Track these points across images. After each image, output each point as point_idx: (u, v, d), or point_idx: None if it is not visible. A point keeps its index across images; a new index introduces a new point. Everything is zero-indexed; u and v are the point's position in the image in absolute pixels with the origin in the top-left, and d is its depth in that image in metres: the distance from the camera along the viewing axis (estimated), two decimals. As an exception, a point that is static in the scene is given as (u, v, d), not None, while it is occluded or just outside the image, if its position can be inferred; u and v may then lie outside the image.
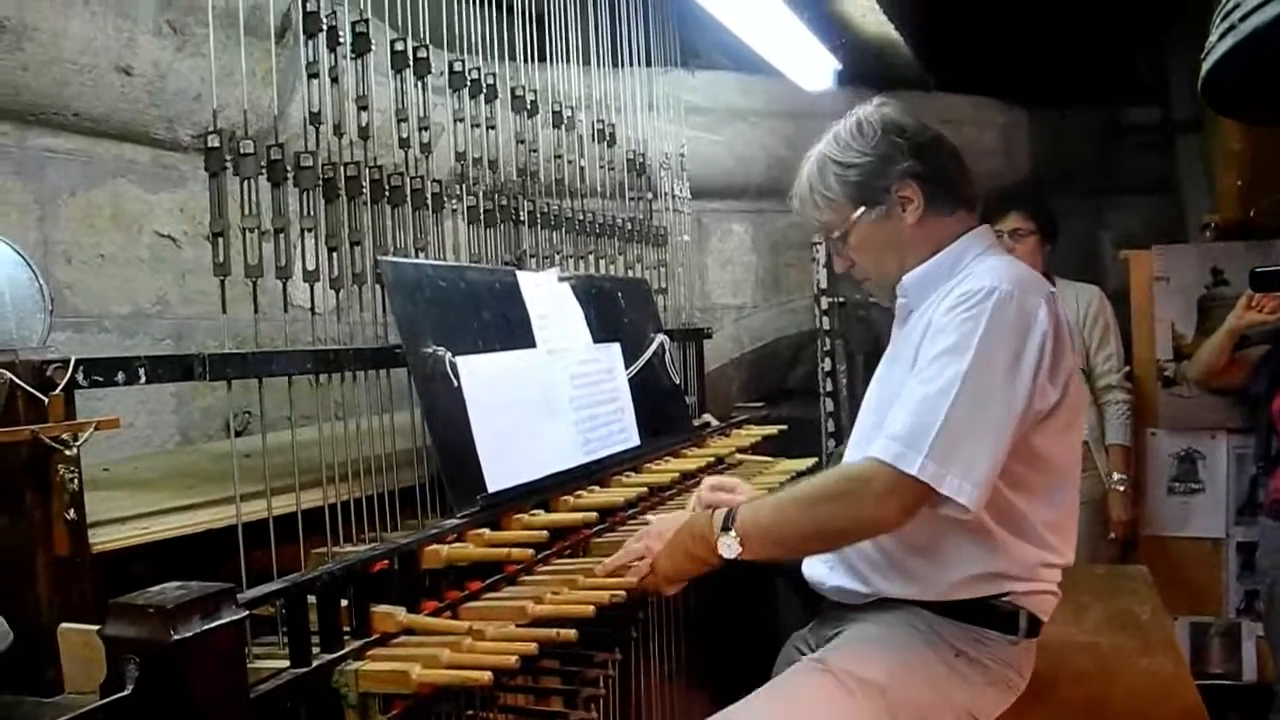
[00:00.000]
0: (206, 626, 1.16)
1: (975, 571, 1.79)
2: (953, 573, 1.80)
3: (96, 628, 1.19)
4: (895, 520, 1.68)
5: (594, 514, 2.03)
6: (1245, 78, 1.69)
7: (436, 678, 1.41)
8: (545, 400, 2.23)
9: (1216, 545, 4.10)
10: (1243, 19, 1.46)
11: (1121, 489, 3.97)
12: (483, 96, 2.31)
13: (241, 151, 1.62)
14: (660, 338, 2.85)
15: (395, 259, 1.93)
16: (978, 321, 1.68)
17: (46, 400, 1.31)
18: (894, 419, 1.69)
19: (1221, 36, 1.54)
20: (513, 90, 2.46)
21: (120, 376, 1.41)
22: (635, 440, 2.53)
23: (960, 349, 1.67)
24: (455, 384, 1.91)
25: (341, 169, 1.81)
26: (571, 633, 1.58)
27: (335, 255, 1.79)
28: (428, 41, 2.07)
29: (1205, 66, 1.65)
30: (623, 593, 1.75)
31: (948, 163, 1.90)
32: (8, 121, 2.29)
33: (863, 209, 1.89)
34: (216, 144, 1.57)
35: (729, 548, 1.75)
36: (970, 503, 1.62)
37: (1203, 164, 4.72)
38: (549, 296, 2.37)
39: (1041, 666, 1.95)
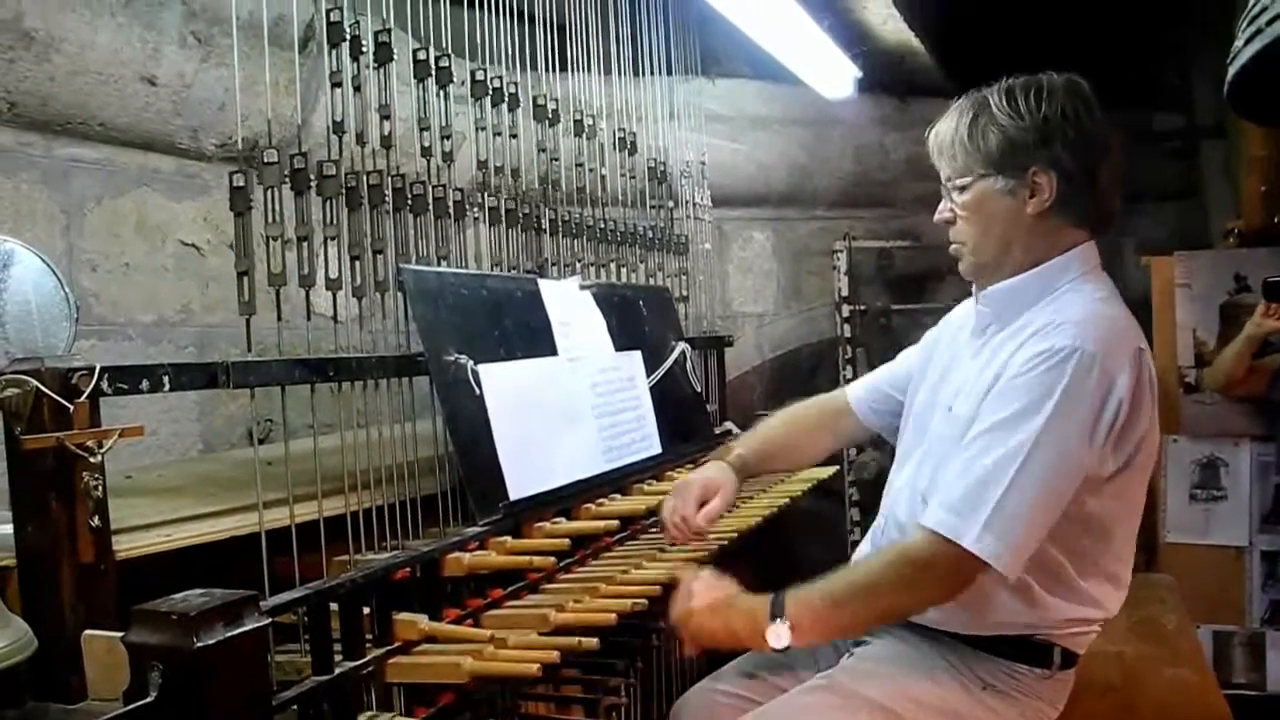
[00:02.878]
0: (229, 634, 1.16)
1: (1009, 619, 1.73)
2: (986, 617, 1.74)
3: (120, 634, 1.19)
4: (955, 594, 1.65)
5: (615, 522, 2.03)
6: (1272, 82, 1.67)
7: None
8: (567, 408, 2.23)
9: (1240, 554, 4.06)
10: (1269, 23, 1.45)
11: None
12: (504, 105, 2.32)
13: (265, 160, 1.63)
14: (681, 345, 2.85)
15: (417, 267, 1.93)
16: (1053, 388, 1.59)
17: (72, 408, 1.32)
18: (951, 485, 1.63)
19: (1248, 41, 1.52)
20: (534, 99, 2.47)
21: (144, 384, 1.42)
22: (657, 448, 2.53)
23: (1029, 417, 1.59)
24: (477, 392, 1.92)
25: (364, 177, 1.81)
26: (593, 641, 1.58)
27: (358, 263, 1.79)
28: (449, 51, 2.08)
29: (1231, 71, 1.63)
30: (645, 601, 1.75)
31: (1101, 173, 1.73)
32: (35, 131, 2.32)
33: (993, 174, 1.74)
34: (242, 183, 1.58)
35: (779, 637, 1.65)
36: (1012, 577, 1.61)
37: (1226, 170, 4.69)
38: (570, 304, 2.38)
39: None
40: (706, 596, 1.76)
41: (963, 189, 1.78)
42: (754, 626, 1.68)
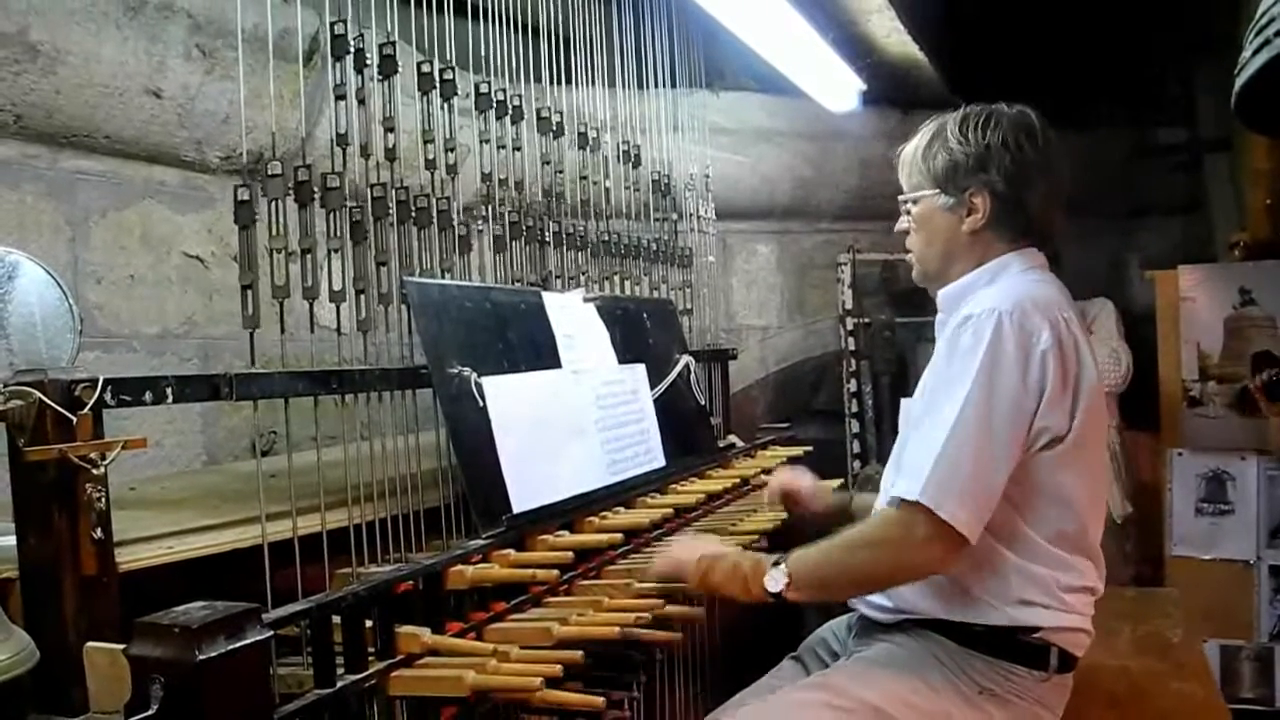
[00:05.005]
0: (231, 646, 1.16)
1: (987, 588, 1.77)
2: (972, 592, 1.77)
3: (122, 647, 1.19)
4: (940, 564, 1.71)
5: (619, 535, 2.02)
6: (1279, 93, 1.67)
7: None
8: (570, 421, 2.22)
9: (1247, 568, 4.04)
10: (1277, 34, 1.45)
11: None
12: (508, 118, 2.33)
13: (269, 173, 1.63)
14: (685, 358, 2.85)
15: (421, 280, 1.93)
16: (976, 346, 1.69)
17: (75, 419, 1.32)
18: (910, 459, 1.73)
19: (1256, 51, 1.52)
20: (538, 112, 2.47)
21: (147, 396, 1.42)
22: (660, 461, 2.52)
23: (959, 377, 1.69)
24: (480, 404, 1.92)
25: (368, 190, 1.82)
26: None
27: (361, 276, 1.79)
28: (454, 63, 2.08)
29: (1239, 82, 1.63)
30: (649, 615, 1.74)
31: (1036, 198, 1.87)
32: (40, 144, 2.32)
33: (937, 191, 1.90)
34: (246, 197, 1.58)
35: (775, 580, 1.76)
36: (969, 533, 1.65)
37: (1231, 183, 4.69)
38: (574, 317, 2.37)
39: (1071, 691, 1.92)
40: (711, 546, 1.92)
41: (915, 203, 1.96)
42: (756, 569, 1.80)
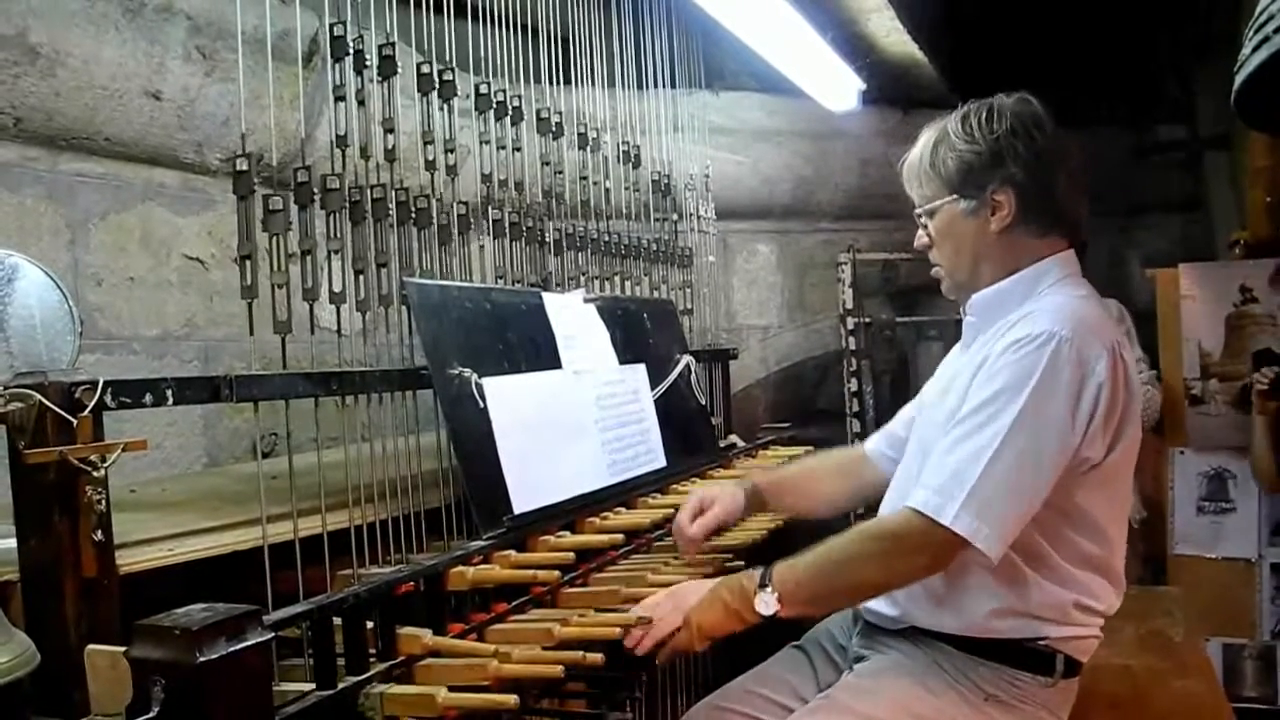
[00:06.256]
0: (232, 648, 1.16)
1: (1002, 606, 1.74)
2: (980, 605, 1.75)
3: (123, 649, 1.19)
4: (927, 570, 1.70)
5: (620, 536, 2.02)
6: (1278, 90, 1.67)
7: (463, 701, 1.40)
8: (571, 422, 2.22)
9: (1249, 566, 4.04)
10: (1276, 31, 1.44)
11: None
12: (508, 119, 2.33)
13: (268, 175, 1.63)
14: (686, 358, 2.84)
15: (421, 281, 1.93)
16: (1032, 370, 1.63)
17: (75, 421, 1.32)
18: (935, 468, 1.67)
19: (1255, 49, 1.52)
20: (538, 112, 2.47)
21: (148, 398, 1.42)
22: (661, 461, 2.52)
23: (1010, 399, 1.64)
24: (481, 405, 1.92)
25: (368, 191, 1.82)
26: (598, 656, 1.57)
27: (361, 277, 1.79)
28: (453, 64, 2.08)
29: (1238, 79, 1.63)
30: (649, 616, 1.74)
31: (1059, 182, 1.79)
32: (40, 146, 2.32)
33: (955, 197, 1.83)
34: (245, 167, 1.58)
35: (766, 604, 1.71)
36: (994, 557, 1.62)
37: (1231, 181, 4.68)
38: (574, 318, 2.37)
39: (1074, 691, 1.92)
40: (690, 595, 1.80)
41: (931, 214, 1.88)
42: (744, 598, 1.74)
